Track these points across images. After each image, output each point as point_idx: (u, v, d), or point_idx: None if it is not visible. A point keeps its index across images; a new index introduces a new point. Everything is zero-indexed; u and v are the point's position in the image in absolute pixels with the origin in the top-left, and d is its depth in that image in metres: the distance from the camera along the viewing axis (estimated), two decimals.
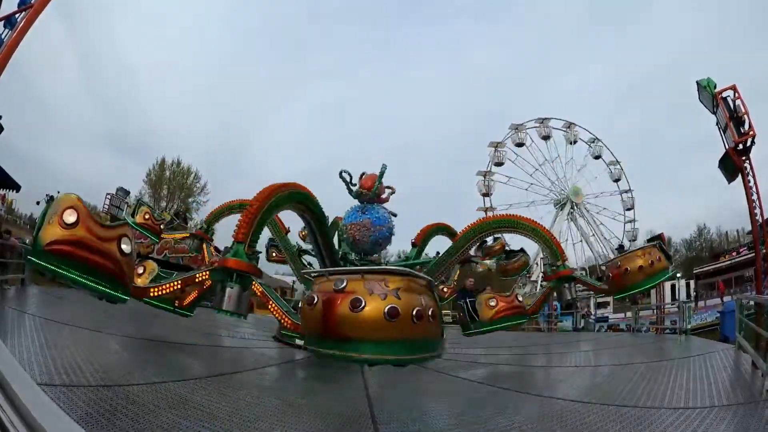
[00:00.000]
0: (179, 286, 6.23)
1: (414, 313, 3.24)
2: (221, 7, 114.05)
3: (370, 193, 9.02)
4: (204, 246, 10.82)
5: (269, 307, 7.60)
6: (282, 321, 7.52)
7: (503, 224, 8.82)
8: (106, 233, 4.10)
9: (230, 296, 5.10)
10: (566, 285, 7.96)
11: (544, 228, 8.51)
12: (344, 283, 3.33)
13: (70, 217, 3.79)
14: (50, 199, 4.26)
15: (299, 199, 6.73)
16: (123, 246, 4.22)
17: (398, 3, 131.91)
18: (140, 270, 6.97)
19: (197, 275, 6.26)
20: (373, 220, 8.88)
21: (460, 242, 8.88)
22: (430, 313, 3.38)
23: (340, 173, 9.49)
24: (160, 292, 6.05)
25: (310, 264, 10.48)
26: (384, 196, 9.70)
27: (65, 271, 3.81)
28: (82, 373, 3.62)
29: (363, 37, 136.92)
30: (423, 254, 11.24)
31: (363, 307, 3.16)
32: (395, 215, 9.58)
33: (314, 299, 3.41)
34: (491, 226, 8.75)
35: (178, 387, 3.97)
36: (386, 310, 3.15)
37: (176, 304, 7.18)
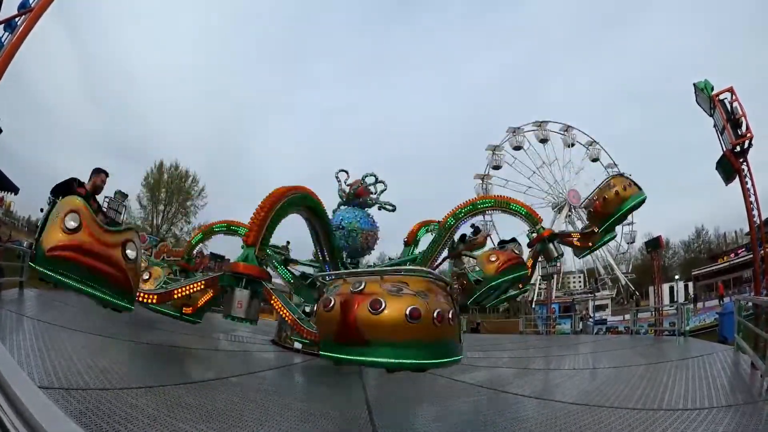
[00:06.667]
0: (199, 287, 5.79)
1: (435, 315, 3.10)
2: (221, 15, 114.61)
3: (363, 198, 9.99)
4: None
5: (283, 314, 6.20)
6: (299, 331, 6.07)
7: (479, 206, 8.46)
8: (111, 238, 3.83)
9: (240, 302, 4.89)
10: (551, 244, 8.02)
11: (512, 199, 8.53)
12: (362, 285, 3.22)
13: (72, 221, 3.57)
14: (53, 203, 3.99)
15: (309, 204, 6.55)
16: (128, 252, 3.94)
17: (394, 11, 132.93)
18: (146, 276, 6.73)
19: (203, 281, 5.81)
20: (377, 228, 9.78)
21: (445, 227, 8.40)
22: (450, 315, 3.24)
23: (336, 173, 10.27)
24: (183, 293, 5.62)
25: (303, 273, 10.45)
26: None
27: (67, 279, 3.58)
28: (81, 376, 3.61)
29: (360, 45, 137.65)
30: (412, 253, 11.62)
31: (383, 309, 3.04)
32: (393, 207, 10.24)
33: (331, 302, 3.26)
34: (475, 208, 8.36)
35: (177, 390, 3.96)
36: (408, 311, 3.02)
37: (183, 312, 7.01)
